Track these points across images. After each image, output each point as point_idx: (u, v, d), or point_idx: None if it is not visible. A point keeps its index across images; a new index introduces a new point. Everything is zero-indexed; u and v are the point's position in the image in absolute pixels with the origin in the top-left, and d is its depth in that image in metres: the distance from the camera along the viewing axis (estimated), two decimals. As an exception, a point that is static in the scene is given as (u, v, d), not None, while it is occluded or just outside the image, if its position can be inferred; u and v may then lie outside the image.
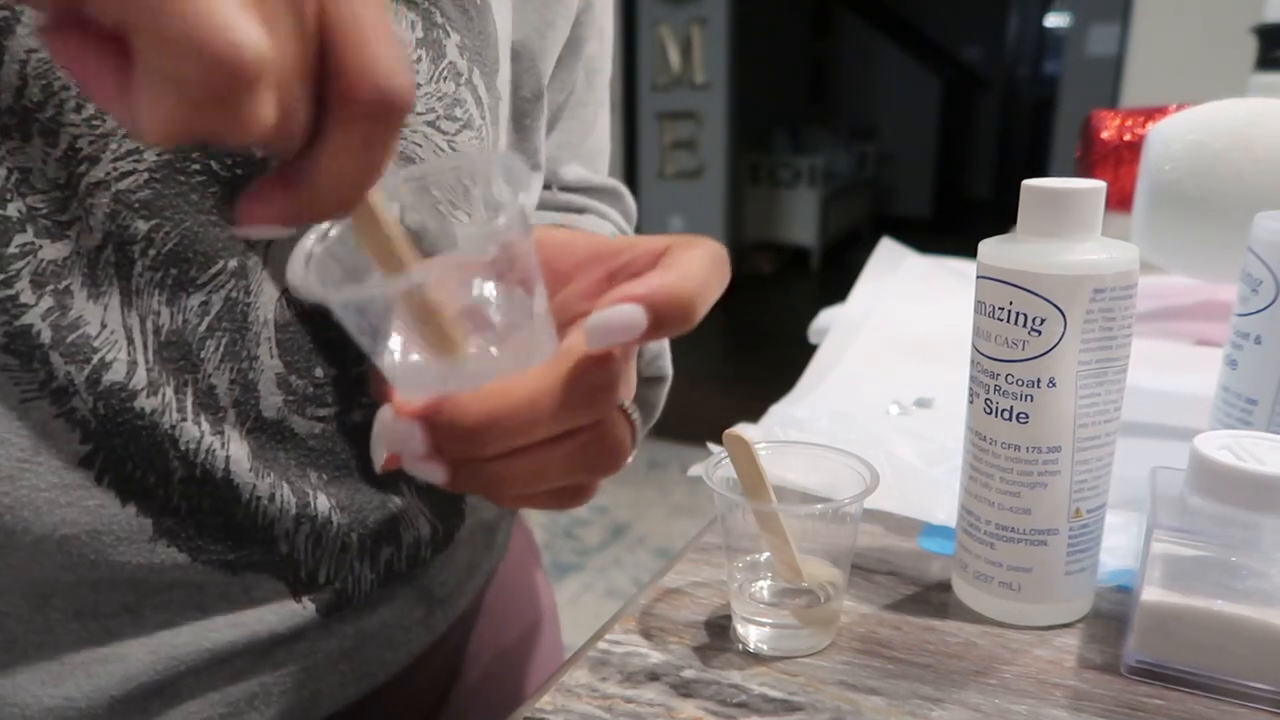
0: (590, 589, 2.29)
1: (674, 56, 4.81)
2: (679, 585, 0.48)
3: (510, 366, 0.31)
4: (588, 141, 0.61)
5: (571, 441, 0.32)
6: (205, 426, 0.40)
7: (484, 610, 0.59)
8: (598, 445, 0.33)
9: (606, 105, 0.63)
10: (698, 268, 0.32)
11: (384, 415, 0.32)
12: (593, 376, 0.31)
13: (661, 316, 0.30)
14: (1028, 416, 0.41)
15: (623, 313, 0.30)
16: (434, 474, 0.32)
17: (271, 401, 0.41)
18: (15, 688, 0.39)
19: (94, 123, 0.35)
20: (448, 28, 0.44)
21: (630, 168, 4.82)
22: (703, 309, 0.32)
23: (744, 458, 0.41)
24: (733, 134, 4.93)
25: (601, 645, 0.44)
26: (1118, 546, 0.48)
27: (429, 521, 0.48)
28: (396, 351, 0.31)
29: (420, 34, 0.43)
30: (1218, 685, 0.39)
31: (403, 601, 0.48)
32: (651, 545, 2.51)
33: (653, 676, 0.41)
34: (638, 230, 0.60)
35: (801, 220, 5.73)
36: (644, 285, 0.31)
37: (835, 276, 4.90)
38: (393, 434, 0.31)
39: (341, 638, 0.46)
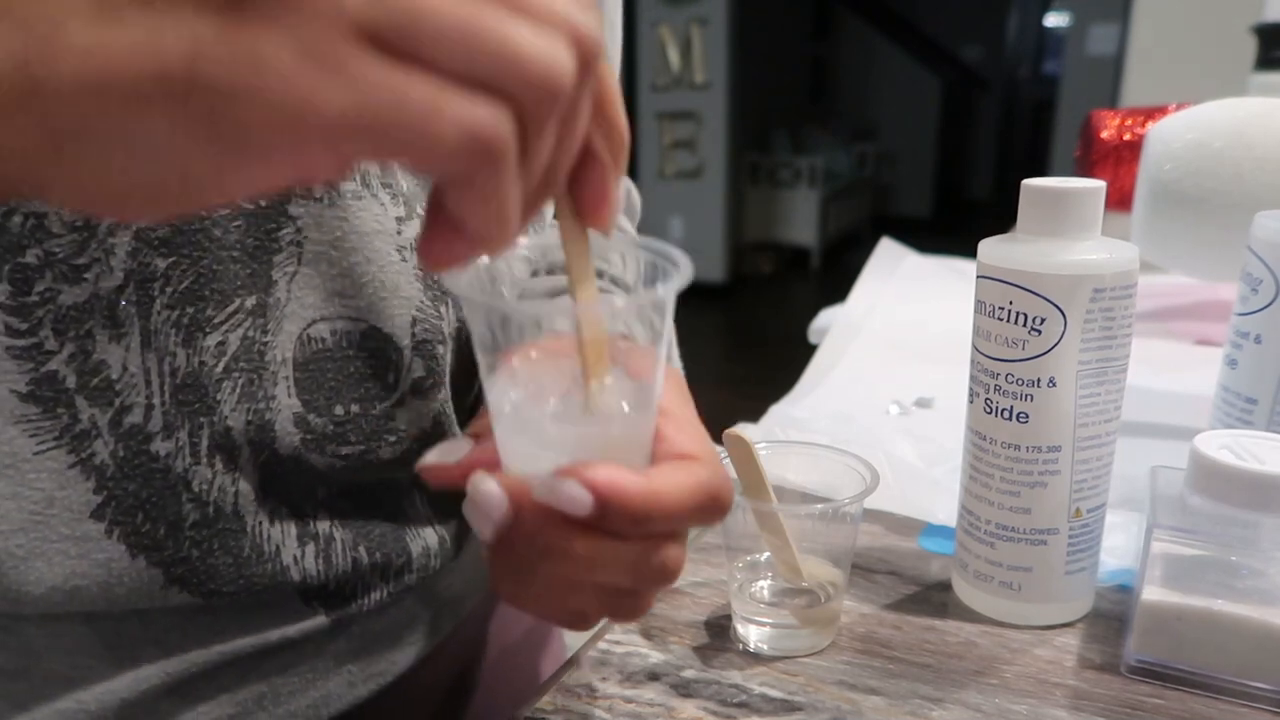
0: (590, 589, 2.29)
1: (674, 56, 4.81)
2: (679, 585, 0.48)
3: (623, 445, 0.31)
4: None
5: (649, 544, 0.31)
6: (219, 466, 0.39)
7: (488, 611, 0.59)
8: (666, 555, 0.32)
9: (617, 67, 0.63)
10: (677, 496, 0.31)
11: (490, 487, 0.31)
12: (722, 491, 0.32)
13: (608, 515, 0.29)
14: (1028, 416, 0.41)
15: (575, 494, 0.29)
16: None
17: (288, 441, 0.40)
18: (31, 691, 0.40)
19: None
20: None
21: (630, 168, 4.79)
22: (656, 526, 0.31)
23: (744, 458, 0.41)
24: (733, 134, 4.92)
25: (601, 645, 0.44)
26: (1118, 546, 0.48)
27: (437, 532, 0.48)
28: (517, 395, 0.31)
29: None
30: (1218, 685, 0.39)
31: (410, 605, 0.48)
32: (652, 545, 2.50)
33: (653, 676, 0.41)
34: (638, 230, 0.60)
35: (801, 220, 5.72)
36: (613, 476, 0.29)
37: (835, 276, 4.90)
38: (564, 496, 0.29)
39: (349, 639, 0.46)
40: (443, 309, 0.44)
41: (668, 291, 0.29)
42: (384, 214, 0.41)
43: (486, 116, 0.21)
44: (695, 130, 4.92)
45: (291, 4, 0.19)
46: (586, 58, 0.23)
